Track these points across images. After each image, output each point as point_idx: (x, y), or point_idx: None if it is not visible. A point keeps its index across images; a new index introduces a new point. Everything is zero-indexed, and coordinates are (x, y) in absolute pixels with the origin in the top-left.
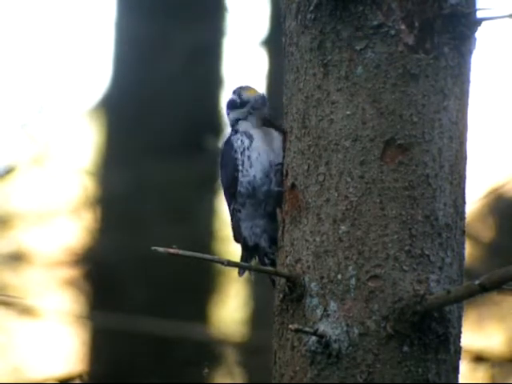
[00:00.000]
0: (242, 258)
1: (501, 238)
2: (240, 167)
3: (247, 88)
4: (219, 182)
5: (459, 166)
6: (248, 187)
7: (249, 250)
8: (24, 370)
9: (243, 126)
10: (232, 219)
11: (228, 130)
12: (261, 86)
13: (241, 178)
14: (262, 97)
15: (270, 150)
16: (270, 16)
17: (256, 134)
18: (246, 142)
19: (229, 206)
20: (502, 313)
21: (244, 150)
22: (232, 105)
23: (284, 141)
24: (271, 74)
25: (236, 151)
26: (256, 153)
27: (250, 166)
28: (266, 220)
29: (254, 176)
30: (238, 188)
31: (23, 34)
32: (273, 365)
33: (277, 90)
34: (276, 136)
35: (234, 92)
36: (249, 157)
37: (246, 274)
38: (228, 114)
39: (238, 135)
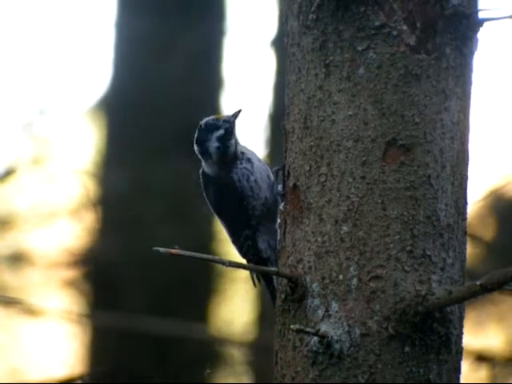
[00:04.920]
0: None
1: (502, 239)
2: (249, 193)
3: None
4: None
5: (461, 166)
6: (263, 209)
7: (261, 262)
8: (25, 370)
9: (240, 146)
10: (244, 242)
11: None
12: (263, 86)
13: (253, 203)
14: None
15: (262, 164)
16: (279, 15)
17: (250, 153)
18: (249, 166)
19: (233, 230)
20: (502, 313)
21: (249, 176)
22: (212, 126)
23: (286, 141)
24: (280, 73)
25: (240, 180)
26: (258, 174)
27: (260, 189)
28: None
29: (266, 197)
30: (251, 212)
31: (23, 35)
32: (274, 365)
33: (284, 89)
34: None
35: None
36: (255, 181)
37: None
38: (209, 140)
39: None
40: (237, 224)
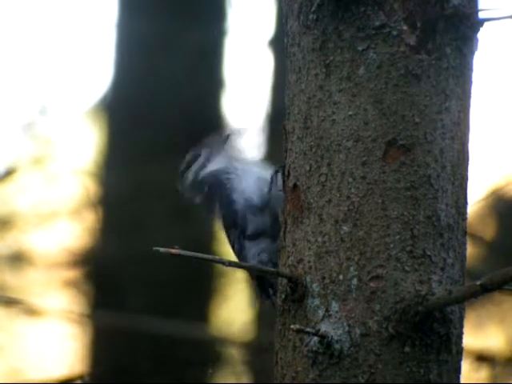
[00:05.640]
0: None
1: (502, 239)
2: (231, 188)
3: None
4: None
5: (461, 166)
6: (245, 203)
7: (256, 279)
8: (24, 370)
9: (219, 162)
10: (237, 251)
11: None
12: (264, 87)
13: (235, 198)
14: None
15: (255, 167)
16: (276, 16)
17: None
18: (232, 169)
19: (232, 240)
20: (502, 313)
21: (230, 173)
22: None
23: (286, 141)
24: (277, 73)
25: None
26: (243, 171)
27: (240, 183)
28: (269, 240)
29: (246, 188)
30: (235, 207)
31: (24, 35)
32: (274, 365)
33: (283, 89)
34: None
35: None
36: (238, 175)
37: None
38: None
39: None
40: (230, 228)
